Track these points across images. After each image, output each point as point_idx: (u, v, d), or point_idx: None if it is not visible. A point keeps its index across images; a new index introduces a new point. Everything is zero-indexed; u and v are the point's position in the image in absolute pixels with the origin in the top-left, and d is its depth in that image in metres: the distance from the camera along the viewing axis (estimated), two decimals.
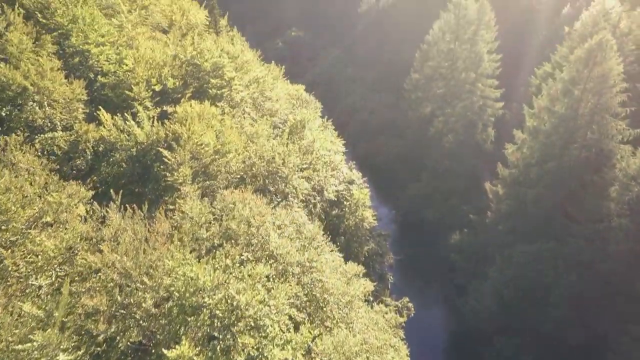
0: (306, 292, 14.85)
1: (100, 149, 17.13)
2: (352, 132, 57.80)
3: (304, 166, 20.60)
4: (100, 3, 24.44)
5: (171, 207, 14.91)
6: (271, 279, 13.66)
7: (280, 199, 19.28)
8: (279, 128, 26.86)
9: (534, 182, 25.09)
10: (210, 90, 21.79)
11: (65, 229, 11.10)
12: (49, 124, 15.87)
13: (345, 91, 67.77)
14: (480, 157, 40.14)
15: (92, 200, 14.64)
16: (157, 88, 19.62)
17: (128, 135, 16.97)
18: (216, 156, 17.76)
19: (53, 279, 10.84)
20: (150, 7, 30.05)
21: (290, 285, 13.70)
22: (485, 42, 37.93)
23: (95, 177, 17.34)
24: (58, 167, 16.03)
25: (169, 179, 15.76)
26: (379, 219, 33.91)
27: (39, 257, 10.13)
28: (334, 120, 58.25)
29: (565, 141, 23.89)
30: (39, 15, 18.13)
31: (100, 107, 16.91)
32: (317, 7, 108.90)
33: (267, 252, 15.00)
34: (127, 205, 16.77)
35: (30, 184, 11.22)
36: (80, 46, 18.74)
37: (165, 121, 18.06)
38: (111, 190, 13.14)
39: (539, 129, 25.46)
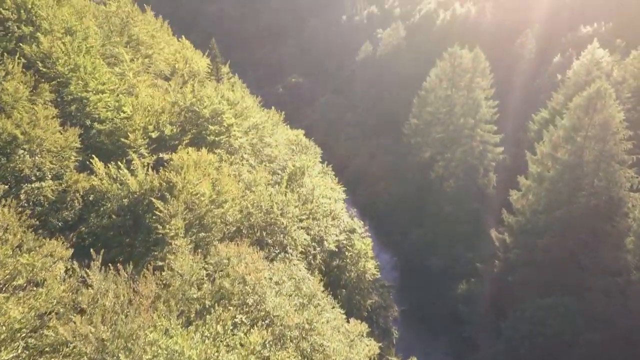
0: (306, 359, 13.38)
1: (91, 198, 16.35)
2: (352, 176, 57.53)
3: (303, 216, 19.72)
4: (104, 52, 24.87)
5: (160, 263, 13.81)
6: (267, 346, 12.30)
7: (278, 251, 18.19)
8: (278, 174, 26.33)
9: (543, 231, 24.18)
10: (208, 137, 21.43)
11: (39, 292, 9.99)
12: (37, 173, 15.20)
13: (344, 136, 68.55)
14: (482, 202, 39.45)
15: (72, 258, 13.61)
16: (154, 135, 19.23)
17: (120, 185, 16.25)
18: (212, 206, 16.95)
19: (19, 351, 9.55)
20: (154, 56, 30.70)
21: (288, 353, 12.30)
22: (481, 89, 38.69)
23: (83, 228, 16.41)
24: (42, 219, 15.19)
25: (160, 231, 14.82)
26: (381, 268, 32.46)
27: (4, 327, 8.96)
28: (334, 165, 57.94)
29: (572, 188, 23.32)
30: (40, 64, 18.12)
31: (93, 155, 16.34)
32: (317, 54, 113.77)
33: (263, 313, 13.72)
34: (113, 259, 15.71)
35: (2, 244, 10.28)
36: (79, 93, 18.58)
37: (160, 169, 17.45)
38: (91, 250, 12.11)
39: (544, 176, 24.98)
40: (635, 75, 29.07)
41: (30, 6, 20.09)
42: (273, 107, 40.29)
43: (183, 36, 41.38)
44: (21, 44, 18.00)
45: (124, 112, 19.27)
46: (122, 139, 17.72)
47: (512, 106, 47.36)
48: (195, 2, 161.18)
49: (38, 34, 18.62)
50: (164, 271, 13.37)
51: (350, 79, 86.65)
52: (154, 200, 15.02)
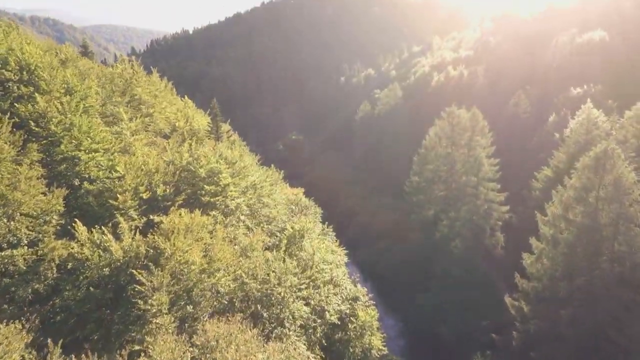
0: None
1: (69, 266, 14.79)
2: (353, 235, 55.79)
3: (303, 285, 17.97)
4: (103, 112, 24.73)
5: (138, 347, 11.92)
6: None
7: (274, 326, 16.20)
8: (277, 236, 24.90)
9: (565, 300, 22.22)
10: (203, 198, 20.36)
11: None
12: (11, 239, 13.81)
13: (344, 193, 67.93)
14: (491, 263, 37.50)
15: (38, 337, 11.79)
16: (146, 196, 18.13)
17: (103, 252, 14.79)
18: (202, 276, 15.34)
19: None
20: (155, 115, 30.72)
21: None
22: (481, 147, 38.67)
23: (57, 300, 14.65)
24: (11, 291, 13.54)
25: (140, 307, 13.08)
26: (385, 336, 29.62)
27: None
28: (335, 223, 56.12)
29: (592, 253, 21.85)
30: (32, 123, 17.58)
31: (76, 219, 15.08)
32: (316, 113, 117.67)
33: None
34: (87, 336, 13.79)
35: None
36: (70, 152, 17.82)
37: (148, 235, 16.10)
38: (49, 341, 10.37)
39: (558, 238, 23.62)
40: (636, 134, 29.02)
41: (33, 68, 20.19)
42: (272, 165, 39.98)
43: (186, 96, 42.30)
44: (16, 104, 17.61)
45: (117, 172, 18.40)
46: (111, 201, 16.59)
47: (512, 164, 47.27)
48: (201, 65, 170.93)
49: (36, 94, 18.35)
50: (140, 358, 11.45)
51: (350, 136, 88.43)
52: (135, 272, 13.46)
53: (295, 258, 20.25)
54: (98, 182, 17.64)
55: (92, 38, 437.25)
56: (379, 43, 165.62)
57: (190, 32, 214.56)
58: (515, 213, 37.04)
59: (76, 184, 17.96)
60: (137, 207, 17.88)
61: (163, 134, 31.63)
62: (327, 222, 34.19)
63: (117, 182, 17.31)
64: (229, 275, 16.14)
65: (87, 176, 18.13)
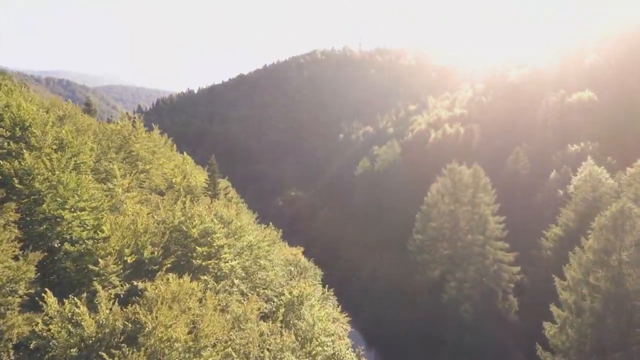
0: None
1: (31, 346, 12.81)
2: (355, 294, 52.74)
3: None
4: (97, 168, 23.94)
5: None
6: None
7: None
8: (273, 302, 22.81)
9: None
10: (194, 261, 18.74)
11: None
12: None
13: (345, 250, 65.66)
14: (506, 330, 34.55)
15: None
16: (131, 259, 16.56)
17: (73, 327, 12.92)
18: (186, 355, 13.30)
19: None
20: (152, 171, 30.02)
21: None
22: (485, 204, 37.64)
23: None
24: None
25: None
26: None
27: None
28: (335, 282, 53.03)
29: (625, 324, 19.80)
30: (16, 180, 16.55)
31: (46, 289, 13.40)
32: (316, 169, 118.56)
33: None
34: None
35: None
36: (52, 212, 16.57)
37: (129, 305, 14.30)
38: None
39: (582, 306, 21.65)
40: None
41: (28, 124, 19.70)
42: (271, 223, 38.54)
43: (185, 152, 42.14)
44: (1, 161, 16.72)
45: (102, 232, 17.02)
46: (91, 266, 15.00)
47: (516, 222, 45.90)
48: (203, 122, 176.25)
49: (24, 150, 17.56)
50: None
51: (349, 192, 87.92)
52: (105, 356, 11.53)
53: (293, 329, 18.12)
54: (80, 243, 16.19)
55: (102, 97, 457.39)
56: (375, 102, 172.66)
57: (195, 91, 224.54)
58: (527, 274, 34.93)
59: (56, 245, 16.51)
60: (121, 271, 16.25)
61: (159, 190, 30.70)
62: (327, 280, 32.08)
63: (100, 245, 15.87)
64: (218, 355, 14.05)
65: (68, 237, 16.72)
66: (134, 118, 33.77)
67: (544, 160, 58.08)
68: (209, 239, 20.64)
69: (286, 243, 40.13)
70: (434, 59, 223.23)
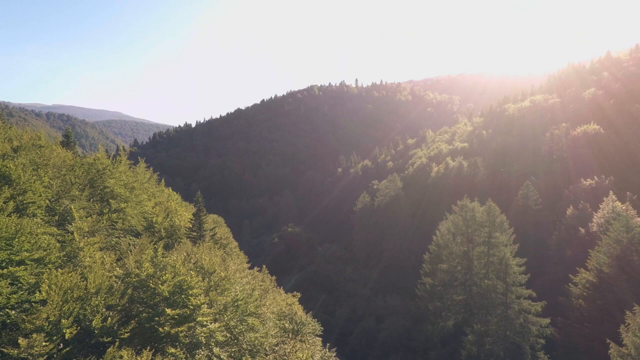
0: None
1: None
2: (357, 345, 47.40)
3: None
4: (53, 208, 20.35)
5: None
6: None
7: None
8: None
9: None
10: (160, 329, 14.73)
11: None
12: None
13: (345, 292, 60.55)
14: None
15: None
16: (70, 333, 12.58)
17: None
18: None
19: None
20: (128, 210, 26.37)
21: None
22: (502, 244, 33.85)
23: None
24: None
25: None
26: None
27: None
28: (335, 329, 47.61)
29: None
30: None
31: None
32: (313, 204, 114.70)
33: None
34: None
35: None
36: None
37: None
38: None
39: None
40: None
41: None
42: (264, 267, 34.44)
43: (170, 187, 38.78)
44: None
45: (40, 294, 13.17)
46: (7, 348, 11.04)
47: (532, 264, 41.82)
48: (199, 156, 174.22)
49: None
50: None
51: (349, 228, 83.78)
52: None
53: None
54: (2, 312, 12.28)
55: (102, 132, 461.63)
56: (373, 136, 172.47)
57: (193, 125, 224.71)
58: (556, 326, 30.54)
59: None
60: (56, 351, 12.23)
61: (134, 232, 26.94)
62: (327, 327, 27.57)
63: (27, 318, 11.96)
64: None
65: None
66: (119, 151, 30.61)
67: (555, 195, 54.99)
68: (183, 296, 16.75)
69: (281, 288, 35.86)
70: (429, 94, 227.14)
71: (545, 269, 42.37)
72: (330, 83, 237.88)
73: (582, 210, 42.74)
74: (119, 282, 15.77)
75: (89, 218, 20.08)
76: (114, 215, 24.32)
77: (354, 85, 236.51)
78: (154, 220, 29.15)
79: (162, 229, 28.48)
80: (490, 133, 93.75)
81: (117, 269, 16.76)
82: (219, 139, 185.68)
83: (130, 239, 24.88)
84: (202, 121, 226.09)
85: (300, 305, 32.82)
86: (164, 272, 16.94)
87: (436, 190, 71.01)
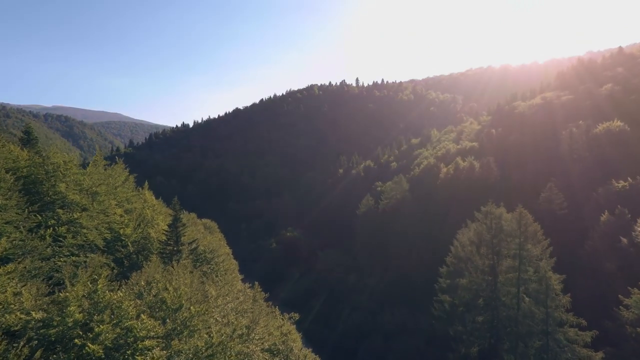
0: None
1: None
2: None
3: None
4: None
5: None
6: None
7: None
8: None
9: None
10: None
11: None
12: None
13: (349, 304, 55.44)
14: None
15: None
16: None
17: None
18: None
19: None
20: (84, 221, 21.27)
21: None
22: (536, 258, 28.77)
23: None
24: None
25: None
26: None
27: None
28: (338, 349, 42.30)
29: None
30: None
31: None
32: (313, 207, 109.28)
33: None
34: None
35: None
36: None
37: None
38: None
39: None
40: None
41: None
42: (257, 285, 29.36)
43: (146, 191, 33.78)
44: None
45: None
46: None
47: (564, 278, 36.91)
48: (196, 156, 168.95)
49: None
50: None
51: (351, 232, 78.54)
52: None
53: None
54: None
55: (100, 133, 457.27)
56: (374, 135, 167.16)
57: (190, 125, 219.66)
58: (605, 355, 25.40)
59: None
60: None
61: (91, 248, 21.86)
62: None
63: None
64: None
65: None
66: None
67: (580, 198, 49.90)
68: (129, 352, 11.72)
69: (276, 308, 30.77)
70: (432, 93, 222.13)
71: (576, 283, 37.12)
72: (330, 82, 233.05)
73: (620, 216, 37.70)
74: (23, 339, 10.68)
75: (13, 235, 15.04)
76: (62, 228, 19.25)
77: (354, 85, 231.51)
78: (121, 232, 24.13)
79: (129, 243, 23.43)
80: (500, 132, 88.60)
81: (33, 313, 11.66)
82: (216, 140, 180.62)
83: (88, 258, 19.88)
84: (199, 122, 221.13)
85: (298, 334, 27.82)
86: (102, 317, 11.86)
87: (446, 192, 65.92)
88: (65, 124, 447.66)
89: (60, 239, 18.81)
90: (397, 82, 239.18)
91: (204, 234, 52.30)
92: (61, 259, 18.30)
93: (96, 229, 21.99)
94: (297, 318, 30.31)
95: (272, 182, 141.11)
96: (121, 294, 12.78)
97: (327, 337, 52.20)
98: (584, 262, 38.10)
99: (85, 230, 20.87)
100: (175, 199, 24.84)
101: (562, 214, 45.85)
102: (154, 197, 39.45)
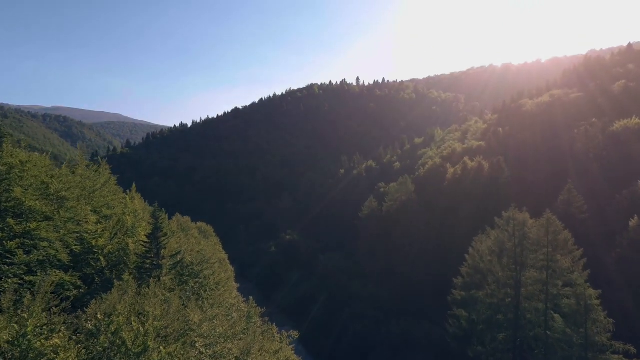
0: None
1: None
2: None
3: None
4: None
5: None
6: None
7: None
8: None
9: None
10: None
11: None
12: None
13: (352, 313, 52.03)
14: None
15: None
16: None
17: None
18: None
19: None
20: (43, 232, 17.95)
21: None
22: (568, 271, 25.45)
23: None
24: None
25: None
26: None
27: None
28: (339, 357, 38.70)
29: None
30: None
31: None
32: (314, 208, 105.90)
33: None
34: None
35: None
36: None
37: None
38: None
39: None
40: None
41: None
42: (251, 298, 26.11)
43: (130, 193, 30.50)
44: None
45: None
46: None
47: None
48: (194, 157, 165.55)
49: None
50: None
51: (353, 236, 75.15)
52: None
53: None
54: None
55: (99, 133, 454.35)
56: (376, 135, 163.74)
57: (189, 125, 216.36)
58: None
59: None
60: None
61: (60, 264, 18.53)
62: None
63: None
64: None
65: None
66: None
67: (601, 201, 46.57)
68: None
69: (274, 325, 27.40)
70: (433, 92, 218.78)
71: (604, 296, 33.71)
72: (330, 82, 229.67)
73: None
74: None
75: None
76: (12, 243, 15.94)
77: (355, 84, 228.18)
78: (93, 244, 20.80)
79: (101, 257, 20.09)
80: (508, 130, 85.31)
81: None
82: (214, 140, 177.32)
83: (48, 276, 16.58)
84: (197, 121, 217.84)
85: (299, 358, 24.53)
86: None
87: (453, 194, 62.57)
88: (64, 125, 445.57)
89: (9, 256, 15.49)
90: (398, 81, 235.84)
91: (198, 238, 48.93)
92: (8, 280, 15.02)
93: (60, 241, 18.68)
94: (296, 337, 27.19)
95: (272, 182, 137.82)
96: (57, 341, 9.43)
97: (327, 347, 48.93)
98: (610, 271, 34.73)
99: (45, 244, 17.55)
100: (156, 205, 21.51)
101: (583, 218, 42.47)
102: (142, 201, 36.16)
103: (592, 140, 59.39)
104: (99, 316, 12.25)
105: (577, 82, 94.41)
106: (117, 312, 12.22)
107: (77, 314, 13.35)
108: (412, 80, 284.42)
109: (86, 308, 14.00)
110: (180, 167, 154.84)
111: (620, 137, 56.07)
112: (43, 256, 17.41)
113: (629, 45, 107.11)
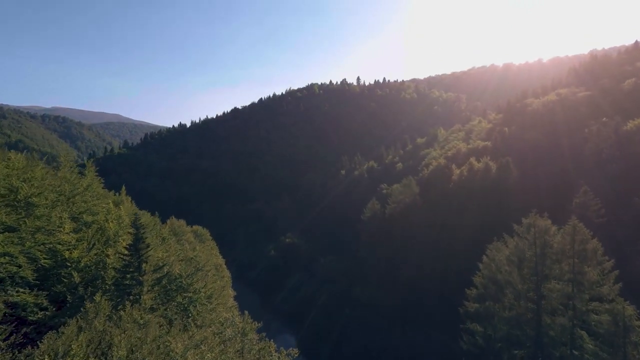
0: None
1: None
2: None
3: None
4: None
5: None
6: None
7: None
8: None
9: None
10: None
11: None
12: None
13: (355, 320, 49.52)
14: None
15: None
16: None
17: None
18: None
19: None
20: (6, 246, 15.52)
21: None
22: (597, 284, 23.04)
23: None
24: None
25: None
26: None
27: None
28: None
29: None
30: None
31: None
32: (314, 210, 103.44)
33: None
34: None
35: None
36: None
37: None
38: None
39: None
40: None
41: None
42: (247, 314, 23.72)
43: (116, 195, 28.12)
44: None
45: None
46: None
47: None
48: (192, 158, 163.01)
49: None
50: None
51: (355, 238, 72.69)
52: None
53: None
54: None
55: (98, 134, 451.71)
56: (377, 135, 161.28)
57: (188, 125, 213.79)
58: None
59: None
60: None
61: (19, 282, 16.09)
62: None
63: None
64: None
65: None
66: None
67: (617, 204, 44.15)
68: None
69: (271, 341, 24.90)
70: (435, 92, 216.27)
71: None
72: (331, 81, 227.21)
73: None
74: None
75: None
76: None
77: (355, 84, 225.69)
78: (66, 256, 18.37)
79: (73, 272, 17.64)
80: (514, 130, 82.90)
81: None
82: (213, 140, 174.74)
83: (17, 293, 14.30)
84: (196, 122, 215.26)
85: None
86: None
87: (460, 196, 60.11)
88: (63, 125, 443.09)
89: None
90: (399, 81, 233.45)
91: (193, 243, 46.45)
92: None
93: (25, 255, 16.25)
94: (296, 355, 24.77)
95: (271, 183, 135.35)
96: None
97: (326, 354, 46.48)
98: (635, 282, 32.22)
99: (4, 259, 15.11)
100: (138, 213, 19.06)
101: (599, 222, 40.01)
102: (133, 204, 33.75)
103: (604, 140, 56.95)
104: (61, 348, 9.80)
105: (584, 81, 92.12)
106: (71, 354, 9.75)
107: (29, 351, 10.92)
108: (413, 80, 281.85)
109: (56, 332, 11.61)
110: (179, 167, 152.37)
111: (635, 137, 53.64)
112: (1, 273, 15.00)
113: (636, 42, 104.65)
